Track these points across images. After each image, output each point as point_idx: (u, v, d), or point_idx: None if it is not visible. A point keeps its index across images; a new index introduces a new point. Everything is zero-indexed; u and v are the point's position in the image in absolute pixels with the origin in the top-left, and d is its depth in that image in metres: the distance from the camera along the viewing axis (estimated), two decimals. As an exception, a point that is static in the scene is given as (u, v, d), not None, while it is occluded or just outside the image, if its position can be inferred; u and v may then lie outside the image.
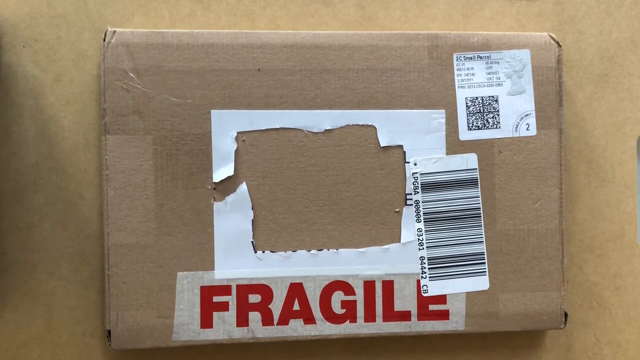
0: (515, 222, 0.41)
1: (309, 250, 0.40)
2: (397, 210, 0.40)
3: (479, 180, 0.41)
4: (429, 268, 0.40)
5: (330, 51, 0.40)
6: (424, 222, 0.40)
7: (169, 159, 0.39)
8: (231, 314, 0.39)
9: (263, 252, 0.39)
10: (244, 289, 0.39)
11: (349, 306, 0.40)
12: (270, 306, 0.39)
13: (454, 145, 0.40)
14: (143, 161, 0.38)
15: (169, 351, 0.41)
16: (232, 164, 0.39)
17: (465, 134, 0.40)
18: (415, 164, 0.40)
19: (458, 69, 0.40)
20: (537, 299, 0.41)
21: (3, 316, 0.40)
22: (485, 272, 0.41)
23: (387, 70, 0.40)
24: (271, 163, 0.39)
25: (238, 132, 0.39)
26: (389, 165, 0.40)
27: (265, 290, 0.39)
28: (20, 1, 0.40)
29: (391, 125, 0.40)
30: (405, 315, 0.40)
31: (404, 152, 0.40)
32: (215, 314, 0.39)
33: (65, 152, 0.40)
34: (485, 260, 0.41)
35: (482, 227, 0.41)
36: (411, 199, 0.40)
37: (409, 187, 0.40)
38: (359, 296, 0.40)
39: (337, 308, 0.40)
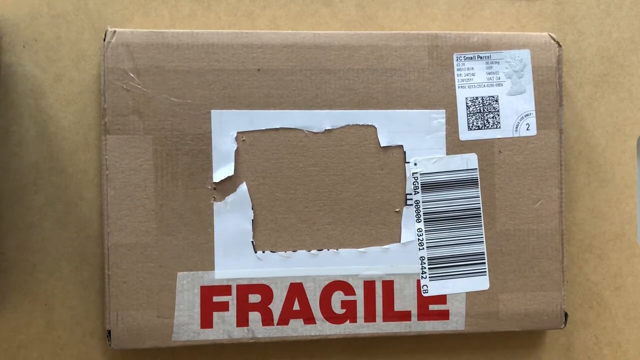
0: (515, 222, 0.41)
1: (309, 250, 0.40)
2: (397, 210, 0.40)
3: (479, 180, 0.41)
4: (429, 268, 0.40)
5: (330, 51, 0.40)
6: (424, 222, 0.40)
7: (169, 159, 0.39)
8: (231, 314, 0.39)
9: (263, 252, 0.39)
10: (244, 289, 0.39)
11: (349, 306, 0.40)
12: (270, 306, 0.39)
13: (454, 145, 0.40)
14: (143, 161, 0.38)
15: (169, 351, 0.41)
16: (232, 164, 0.39)
17: (465, 134, 0.40)
18: (415, 164, 0.40)
19: (458, 69, 0.40)
20: (537, 299, 0.41)
21: (3, 316, 0.40)
22: (485, 272, 0.41)
23: (387, 70, 0.40)
24: (271, 163, 0.39)
25: (238, 132, 0.39)
26: (389, 165, 0.40)
27: (265, 290, 0.39)
28: (20, 1, 0.40)
29: (391, 125, 0.40)
30: (405, 315, 0.40)
31: (404, 152, 0.40)
32: (215, 314, 0.39)
33: (65, 152, 0.40)
34: (485, 260, 0.41)
35: (482, 227, 0.41)
36: (411, 199, 0.40)
37: (409, 187, 0.40)
38: (359, 296, 0.40)
39: (337, 308, 0.40)
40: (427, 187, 0.40)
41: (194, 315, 0.39)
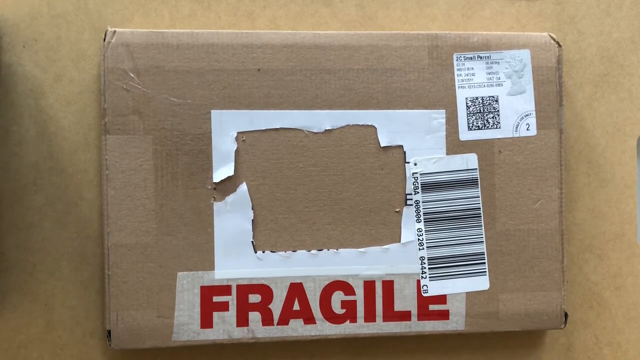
0: (515, 222, 0.41)
1: (309, 250, 0.40)
2: (397, 210, 0.40)
3: (479, 180, 0.41)
4: (429, 268, 0.40)
5: (330, 51, 0.40)
6: (424, 222, 0.40)
7: (169, 159, 0.39)
8: (231, 314, 0.39)
9: (263, 252, 0.39)
10: (244, 289, 0.39)
11: (349, 306, 0.40)
12: (270, 306, 0.39)
13: (454, 145, 0.40)
14: (143, 161, 0.38)
15: (169, 351, 0.41)
16: (232, 164, 0.39)
17: (465, 134, 0.40)
18: (415, 164, 0.40)
19: (458, 69, 0.40)
20: (537, 299, 0.41)
21: (3, 316, 0.40)
22: (485, 272, 0.41)
23: (387, 70, 0.40)
24: (271, 163, 0.39)
25: (238, 132, 0.39)
26: (389, 165, 0.40)
27: (265, 290, 0.39)
28: (20, 1, 0.40)
29: (391, 125, 0.40)
30: (405, 315, 0.40)
31: (404, 152, 0.40)
32: (215, 314, 0.39)
33: (65, 152, 0.40)
34: (485, 260, 0.41)
35: (482, 227, 0.41)
36: (411, 199, 0.40)
37: (409, 187, 0.40)
38: (359, 296, 0.40)
39: (337, 308, 0.40)
40: (427, 187, 0.40)
41: (194, 315, 0.39)
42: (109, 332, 0.38)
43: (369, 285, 0.40)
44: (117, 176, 0.38)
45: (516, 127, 0.41)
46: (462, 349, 0.43)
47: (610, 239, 0.44)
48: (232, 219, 0.39)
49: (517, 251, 0.41)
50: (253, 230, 0.39)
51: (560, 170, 0.41)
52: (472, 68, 0.41)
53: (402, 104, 0.40)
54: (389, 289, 0.40)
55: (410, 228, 0.40)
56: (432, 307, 0.40)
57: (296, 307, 0.39)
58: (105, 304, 0.39)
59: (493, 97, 0.41)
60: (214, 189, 0.39)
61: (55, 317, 0.40)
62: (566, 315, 0.41)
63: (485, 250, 0.41)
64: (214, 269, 0.39)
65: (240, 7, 0.41)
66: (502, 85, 0.41)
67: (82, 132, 0.40)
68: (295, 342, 0.41)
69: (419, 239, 0.40)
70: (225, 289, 0.39)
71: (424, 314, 0.40)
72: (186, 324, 0.39)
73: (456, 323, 0.40)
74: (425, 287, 0.40)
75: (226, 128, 0.39)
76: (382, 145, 0.40)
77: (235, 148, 0.39)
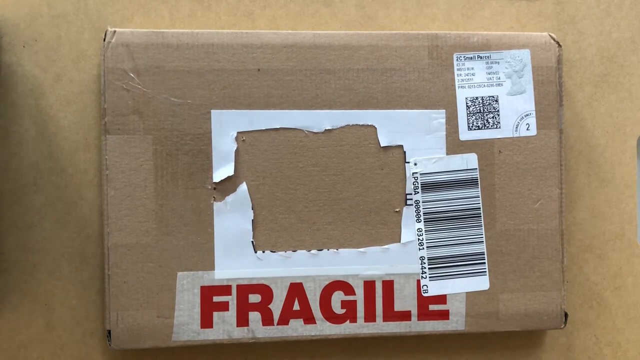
0: (515, 222, 0.41)
1: (309, 250, 0.40)
2: (397, 210, 0.40)
3: (479, 180, 0.41)
4: (429, 268, 0.40)
5: (330, 51, 0.40)
6: (424, 222, 0.40)
7: (169, 159, 0.39)
8: (231, 314, 0.39)
9: (263, 252, 0.39)
10: (244, 289, 0.39)
11: (349, 306, 0.40)
12: (270, 306, 0.39)
13: (454, 145, 0.40)
14: (143, 161, 0.38)
15: (169, 351, 0.41)
16: (232, 164, 0.39)
17: (465, 134, 0.40)
18: (415, 164, 0.40)
19: (458, 69, 0.40)
20: (537, 299, 0.41)
21: (3, 316, 0.40)
22: (485, 272, 0.41)
23: (387, 70, 0.40)
24: (271, 163, 0.39)
25: (238, 132, 0.39)
26: (389, 165, 0.40)
27: (265, 290, 0.39)
28: (20, 1, 0.40)
29: (391, 125, 0.40)
30: (405, 315, 0.40)
31: (404, 152, 0.40)
32: (215, 314, 0.39)
33: (65, 152, 0.40)
34: (485, 260, 0.41)
35: (482, 227, 0.41)
36: (411, 199, 0.40)
37: (409, 187, 0.40)
38: (359, 296, 0.40)
39: (337, 308, 0.40)
40: (427, 187, 0.40)
41: (194, 315, 0.39)
42: (109, 332, 0.38)
43: (369, 285, 0.40)
44: (117, 176, 0.38)
45: (516, 127, 0.41)
46: (462, 349, 0.43)
47: (610, 239, 0.44)
48: (232, 219, 0.39)
49: (517, 251, 0.41)
50: (253, 230, 0.39)
51: (560, 170, 0.41)
52: (472, 68, 0.41)
53: (402, 104, 0.40)
54: (389, 289, 0.40)
55: (410, 228, 0.40)
56: (432, 307, 0.40)
57: (296, 307, 0.39)
58: (105, 304, 0.39)
59: (493, 97, 0.41)
60: (214, 189, 0.39)
61: (55, 317, 0.40)
62: (566, 315, 0.41)
63: (485, 250, 0.41)
64: (214, 269, 0.39)
65: (240, 7, 0.41)
66: (502, 85, 0.41)
67: (82, 132, 0.40)
68: (295, 342, 0.41)
69: (419, 239, 0.40)
70: (225, 289, 0.39)
71: (424, 314, 0.40)
72: (186, 324, 0.39)
73: (456, 323, 0.40)
74: (425, 287, 0.40)
75: (226, 128, 0.39)
76: (382, 145, 0.40)
77: (235, 148, 0.39)
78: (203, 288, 0.39)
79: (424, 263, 0.40)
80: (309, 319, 0.40)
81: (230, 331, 0.39)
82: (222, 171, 0.39)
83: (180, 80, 0.39)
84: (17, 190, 0.40)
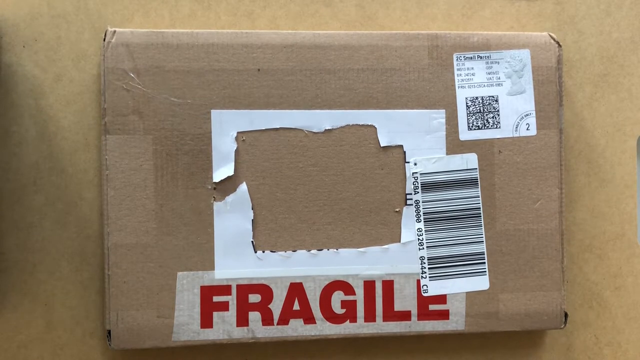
0: (515, 222, 0.41)
1: (309, 250, 0.40)
2: (397, 210, 0.40)
3: (479, 180, 0.41)
4: (429, 268, 0.40)
5: (330, 51, 0.40)
6: (424, 222, 0.40)
7: (169, 159, 0.39)
8: (231, 313, 0.39)
9: (263, 252, 0.39)
10: (244, 289, 0.39)
11: (349, 306, 0.40)
12: (270, 306, 0.39)
13: (454, 145, 0.40)
14: (143, 161, 0.38)
15: (169, 351, 0.41)
16: (232, 164, 0.39)
17: (465, 134, 0.40)
18: (415, 164, 0.40)
19: (458, 69, 0.40)
20: (537, 299, 0.41)
21: (3, 316, 0.40)
22: (485, 272, 0.41)
23: (387, 70, 0.40)
24: (271, 163, 0.39)
25: (238, 132, 0.39)
26: (389, 165, 0.40)
27: (265, 290, 0.39)
28: (20, 1, 0.40)
29: (391, 125, 0.40)
30: (405, 315, 0.40)
31: (404, 152, 0.40)
32: (215, 313, 0.39)
33: (65, 152, 0.40)
34: (485, 260, 0.41)
35: (482, 227, 0.41)
36: (411, 199, 0.40)
37: (409, 187, 0.40)
38: (359, 296, 0.40)
39: (337, 308, 0.40)
40: (427, 187, 0.40)
41: (194, 315, 0.39)
42: (109, 332, 0.38)
43: (369, 285, 0.40)
44: (117, 176, 0.38)
45: (516, 127, 0.41)
46: (462, 349, 0.43)
47: (610, 239, 0.44)
48: (232, 219, 0.39)
49: (517, 251, 0.41)
50: (253, 230, 0.39)
51: (560, 170, 0.41)
52: (472, 68, 0.41)
53: (402, 104, 0.40)
54: (388, 289, 0.40)
55: (410, 228, 0.40)
56: (432, 307, 0.40)
57: (296, 307, 0.39)
58: (105, 304, 0.39)
59: (493, 97, 0.41)
60: (214, 189, 0.39)
61: (55, 317, 0.40)
62: (566, 315, 0.41)
63: (485, 250, 0.41)
64: (214, 269, 0.39)
65: (240, 7, 0.41)
66: (502, 85, 0.41)
67: (82, 132, 0.40)
68: (295, 342, 0.41)
69: (418, 239, 0.40)
70: (225, 289, 0.39)
71: (424, 313, 0.40)
72: (186, 323, 0.39)
73: (456, 323, 0.40)
74: (425, 287, 0.40)
75: (226, 128, 0.39)
76: (382, 145, 0.40)
77: (235, 148, 0.39)
78: (203, 288, 0.39)
79: (424, 263, 0.40)
80: (309, 319, 0.40)
81: (230, 331, 0.39)
82: (222, 171, 0.39)
83: (180, 80, 0.39)
84: (17, 190, 0.40)
